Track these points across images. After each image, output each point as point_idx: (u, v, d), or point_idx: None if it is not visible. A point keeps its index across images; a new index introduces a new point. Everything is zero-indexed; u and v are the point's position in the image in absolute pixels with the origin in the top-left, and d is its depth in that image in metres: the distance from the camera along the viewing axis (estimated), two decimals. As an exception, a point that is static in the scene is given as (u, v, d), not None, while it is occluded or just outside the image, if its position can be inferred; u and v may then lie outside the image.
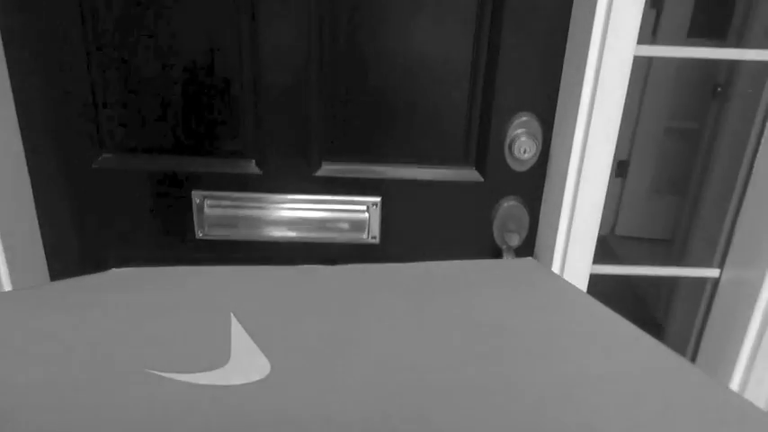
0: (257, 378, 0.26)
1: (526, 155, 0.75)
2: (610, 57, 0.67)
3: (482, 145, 0.75)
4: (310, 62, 0.71)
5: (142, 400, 0.24)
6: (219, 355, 0.27)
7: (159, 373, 0.26)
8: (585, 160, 0.71)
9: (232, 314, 0.30)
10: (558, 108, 0.75)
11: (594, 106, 0.69)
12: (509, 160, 0.76)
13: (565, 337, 0.30)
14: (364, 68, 0.72)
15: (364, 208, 0.77)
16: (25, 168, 0.75)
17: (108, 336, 0.28)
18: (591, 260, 0.76)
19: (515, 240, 0.75)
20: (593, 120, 0.70)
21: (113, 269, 0.32)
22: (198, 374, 0.26)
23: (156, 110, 0.74)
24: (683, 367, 0.28)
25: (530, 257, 0.38)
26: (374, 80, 0.73)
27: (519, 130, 0.75)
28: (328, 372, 0.27)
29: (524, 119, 0.75)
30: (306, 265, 0.35)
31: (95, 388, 0.25)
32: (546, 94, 0.75)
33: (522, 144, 0.75)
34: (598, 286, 0.74)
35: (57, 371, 0.25)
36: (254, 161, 0.76)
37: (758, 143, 0.76)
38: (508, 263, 0.38)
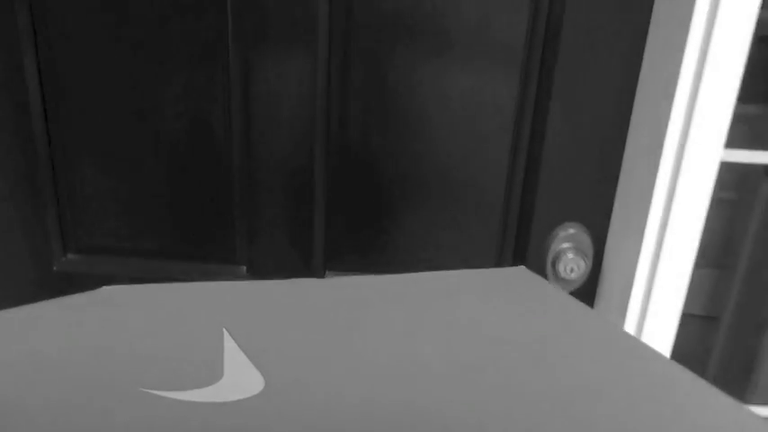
0: (251, 394, 0.26)
1: (573, 274, 0.63)
2: (691, 163, 0.54)
3: (519, 261, 0.65)
4: (314, 160, 0.62)
5: (135, 420, 0.24)
6: (213, 372, 0.27)
7: (152, 392, 0.25)
8: (653, 292, 0.56)
9: (225, 330, 0.30)
10: (612, 220, 0.63)
11: (669, 222, 0.55)
12: (552, 280, 0.64)
13: (560, 346, 0.30)
14: (377, 166, 0.62)
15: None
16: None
17: (99, 354, 0.28)
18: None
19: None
20: (665, 238, 0.56)
21: (104, 287, 0.32)
22: (191, 392, 0.26)
23: (133, 205, 0.62)
24: (680, 375, 0.28)
25: (522, 266, 0.38)
26: (389, 179, 0.62)
27: (565, 245, 0.63)
28: (323, 385, 0.26)
29: (571, 231, 0.63)
30: (298, 279, 0.35)
31: (87, 408, 0.24)
32: (599, 203, 0.64)
33: (568, 262, 0.62)
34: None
35: (46, 391, 0.25)
36: (244, 267, 0.67)
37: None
38: (500, 272, 0.38)
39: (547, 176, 0.62)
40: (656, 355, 0.30)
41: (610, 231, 0.63)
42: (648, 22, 0.57)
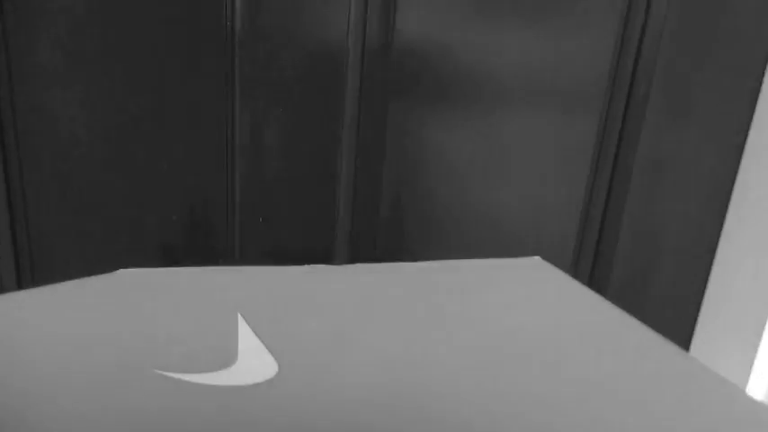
0: (265, 378, 0.26)
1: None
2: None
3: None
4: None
5: (151, 401, 0.24)
6: (227, 356, 0.27)
7: (167, 374, 0.25)
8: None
9: (239, 314, 0.30)
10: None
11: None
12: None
13: (575, 338, 0.30)
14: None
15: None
16: None
17: (114, 336, 0.28)
18: None
19: None
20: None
21: (120, 270, 0.32)
22: (206, 375, 0.26)
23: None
24: (696, 369, 0.28)
25: (537, 256, 0.38)
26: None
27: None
28: (336, 371, 0.26)
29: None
30: (312, 265, 0.35)
31: (103, 389, 0.25)
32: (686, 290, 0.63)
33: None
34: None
35: (64, 372, 0.25)
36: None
37: None
38: (516, 262, 0.37)
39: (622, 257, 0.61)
40: (672, 348, 0.29)
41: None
42: (761, 82, 0.57)
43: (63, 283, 0.31)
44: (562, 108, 0.57)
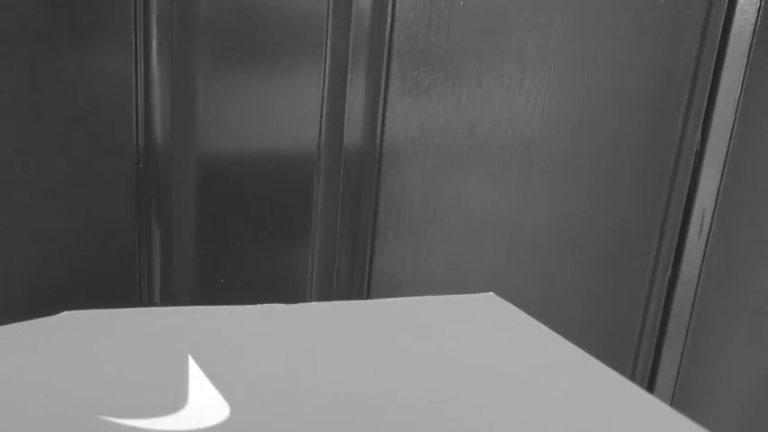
0: (216, 421, 0.25)
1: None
2: None
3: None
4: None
5: (95, 449, 0.23)
6: (177, 399, 0.26)
7: (114, 420, 0.25)
8: None
9: (189, 356, 0.29)
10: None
11: None
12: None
13: (530, 373, 0.30)
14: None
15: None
16: None
17: (59, 381, 0.27)
18: None
19: None
20: None
21: (65, 312, 0.31)
22: (155, 419, 0.25)
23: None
24: (651, 403, 0.28)
25: (491, 292, 0.38)
26: None
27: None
28: (289, 412, 0.26)
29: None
30: (265, 305, 0.34)
31: (45, 437, 0.24)
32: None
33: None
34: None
35: (4, 420, 0.24)
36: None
37: None
38: (469, 298, 0.38)
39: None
40: (629, 386, 0.30)
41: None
42: None
43: (3, 327, 0.30)
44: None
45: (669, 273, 0.61)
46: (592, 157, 0.56)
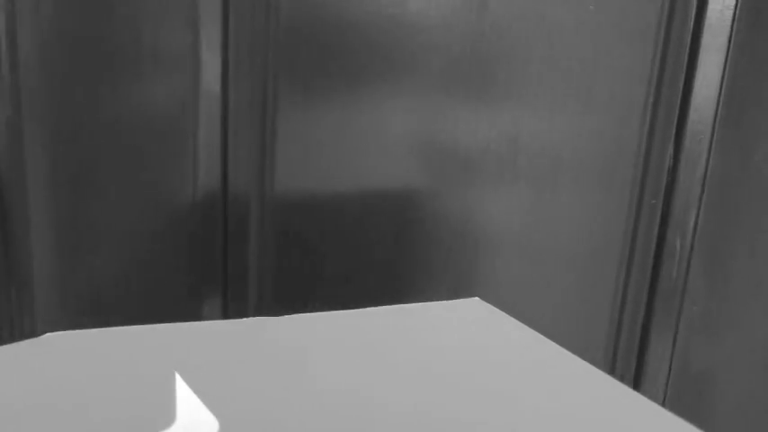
0: (206, 438, 0.25)
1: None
2: None
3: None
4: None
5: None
6: (164, 417, 0.26)
7: (101, 440, 0.24)
8: None
9: (177, 373, 0.29)
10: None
11: None
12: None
13: (517, 377, 0.31)
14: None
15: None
16: None
17: (43, 404, 0.27)
18: None
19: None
20: None
21: (47, 333, 0.31)
22: (142, 439, 0.25)
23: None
24: (638, 402, 0.29)
25: (476, 297, 0.38)
26: None
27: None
28: (278, 426, 0.26)
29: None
30: (252, 318, 0.34)
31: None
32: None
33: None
34: None
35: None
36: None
37: None
38: (454, 304, 0.38)
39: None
40: (617, 386, 0.30)
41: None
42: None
43: None
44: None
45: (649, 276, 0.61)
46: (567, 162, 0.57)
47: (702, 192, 0.58)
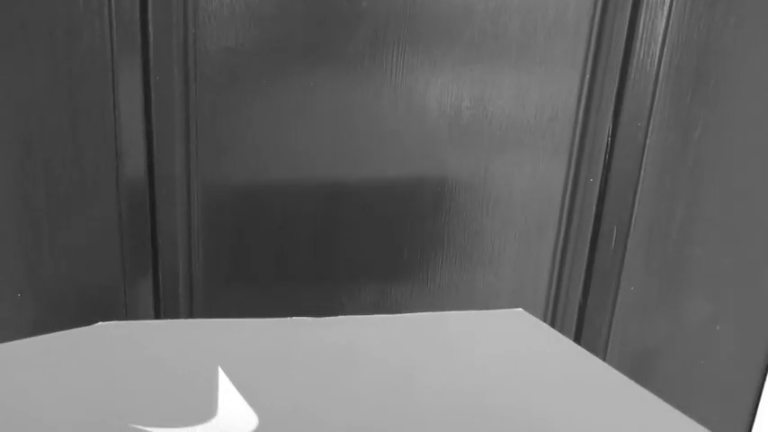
0: (245, 431, 0.26)
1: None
2: None
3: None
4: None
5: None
6: (207, 409, 0.27)
7: (145, 429, 0.25)
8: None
9: (219, 367, 0.30)
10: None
11: None
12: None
13: (558, 389, 0.30)
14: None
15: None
16: None
17: (92, 391, 0.28)
18: None
19: None
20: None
21: (99, 323, 0.33)
22: (185, 429, 0.26)
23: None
24: (681, 422, 0.28)
25: (520, 308, 0.38)
26: None
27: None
28: (317, 423, 0.26)
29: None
30: (296, 318, 0.35)
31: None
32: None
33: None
34: None
35: (38, 427, 0.25)
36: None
37: None
38: (498, 314, 0.38)
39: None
40: (657, 402, 0.29)
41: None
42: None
43: (39, 337, 0.31)
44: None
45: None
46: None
47: (640, 172, 0.56)
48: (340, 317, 0.35)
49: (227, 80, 0.50)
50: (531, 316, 0.37)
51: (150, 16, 0.48)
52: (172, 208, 0.53)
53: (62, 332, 0.31)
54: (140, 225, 0.53)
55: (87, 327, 0.32)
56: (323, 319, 0.35)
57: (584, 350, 0.34)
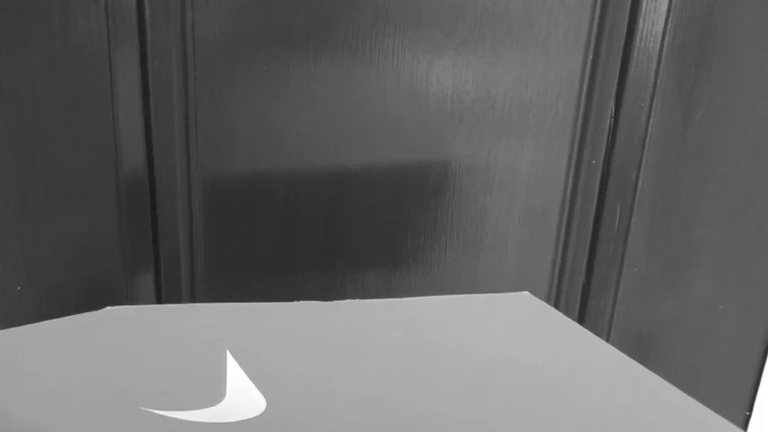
0: (253, 415, 0.26)
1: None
2: None
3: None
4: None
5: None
6: (215, 393, 0.27)
7: (154, 411, 0.25)
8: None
9: (228, 351, 0.30)
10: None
11: None
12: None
13: (565, 372, 0.30)
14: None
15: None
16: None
17: (101, 374, 0.28)
18: None
19: None
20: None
21: (107, 307, 0.33)
22: (193, 412, 0.26)
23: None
24: (687, 404, 0.28)
25: (526, 291, 0.38)
26: None
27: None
28: (324, 407, 0.26)
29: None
30: (302, 302, 0.35)
31: (90, 427, 0.24)
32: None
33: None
34: None
35: (49, 410, 0.25)
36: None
37: None
38: (504, 297, 0.38)
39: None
40: (662, 384, 0.29)
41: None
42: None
43: (48, 322, 0.31)
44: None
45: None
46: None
47: (642, 152, 0.56)
48: (347, 300, 0.35)
49: (227, 66, 0.50)
50: (537, 299, 0.37)
51: (147, 1, 0.48)
52: (172, 197, 0.53)
53: (71, 317, 0.31)
54: (141, 215, 0.53)
55: (95, 311, 0.32)
56: (330, 303, 0.35)
57: (589, 332, 0.34)
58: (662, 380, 0.30)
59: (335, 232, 0.55)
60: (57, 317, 0.32)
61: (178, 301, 0.54)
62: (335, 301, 0.35)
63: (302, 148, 0.52)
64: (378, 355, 0.31)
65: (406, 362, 0.30)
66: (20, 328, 0.30)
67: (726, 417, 0.27)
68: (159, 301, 0.54)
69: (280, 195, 0.53)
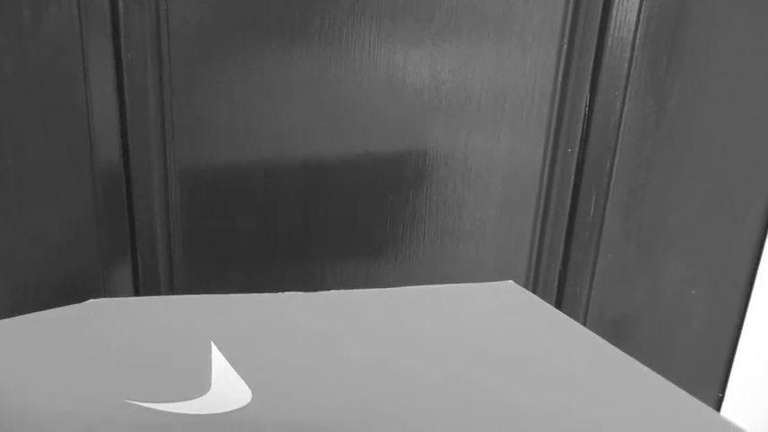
0: (238, 406, 0.26)
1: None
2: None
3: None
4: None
5: (121, 430, 0.24)
6: (200, 384, 0.27)
7: (138, 403, 0.25)
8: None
9: (212, 342, 0.30)
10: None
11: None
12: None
13: (548, 360, 0.31)
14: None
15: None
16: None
17: (86, 367, 0.28)
18: None
19: None
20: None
21: (91, 300, 0.32)
22: (178, 403, 0.26)
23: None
24: (671, 392, 0.29)
25: (510, 280, 0.38)
26: None
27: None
28: (309, 397, 0.27)
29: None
30: (287, 292, 0.35)
31: (73, 419, 0.24)
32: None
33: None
34: None
35: (32, 404, 0.25)
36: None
37: None
38: (488, 286, 0.38)
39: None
40: (644, 371, 0.30)
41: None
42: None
43: (30, 315, 0.31)
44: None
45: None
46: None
47: (617, 140, 0.57)
48: (330, 291, 0.35)
49: (202, 57, 0.49)
50: (521, 288, 0.38)
51: (119, -8, 0.47)
52: (149, 189, 0.52)
53: (53, 309, 0.31)
54: (117, 207, 0.52)
55: (78, 304, 0.32)
56: (312, 293, 0.35)
57: (578, 323, 0.34)
58: (638, 363, 0.30)
59: (314, 222, 0.55)
60: (33, 312, 0.31)
61: (156, 294, 0.54)
62: (318, 292, 0.35)
63: (279, 139, 0.52)
64: (363, 344, 0.31)
65: (391, 351, 0.30)
66: (1, 321, 0.30)
67: (699, 398, 0.28)
68: (137, 294, 0.54)
69: (257, 186, 0.53)
